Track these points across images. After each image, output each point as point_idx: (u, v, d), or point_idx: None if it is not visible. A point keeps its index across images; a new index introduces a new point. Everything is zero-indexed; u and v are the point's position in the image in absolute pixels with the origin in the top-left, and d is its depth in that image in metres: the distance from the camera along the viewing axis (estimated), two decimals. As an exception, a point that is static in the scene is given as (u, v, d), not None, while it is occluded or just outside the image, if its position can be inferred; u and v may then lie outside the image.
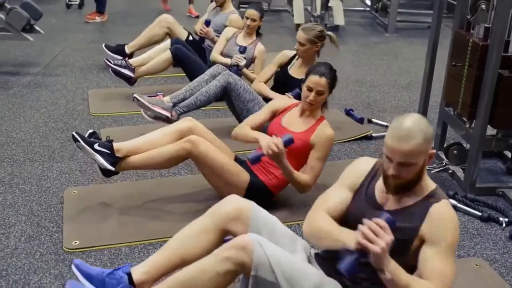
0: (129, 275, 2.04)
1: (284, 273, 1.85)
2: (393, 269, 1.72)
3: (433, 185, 1.92)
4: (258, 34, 4.35)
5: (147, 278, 2.04)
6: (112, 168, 2.78)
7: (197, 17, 7.22)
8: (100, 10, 7.07)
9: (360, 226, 1.72)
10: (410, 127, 1.77)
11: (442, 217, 1.84)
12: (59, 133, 3.88)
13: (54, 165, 3.41)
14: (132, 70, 4.44)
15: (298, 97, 3.39)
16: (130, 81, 4.47)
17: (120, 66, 4.42)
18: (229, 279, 1.90)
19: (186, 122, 2.95)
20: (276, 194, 2.97)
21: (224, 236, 2.10)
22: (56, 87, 4.75)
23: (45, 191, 3.11)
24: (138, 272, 2.05)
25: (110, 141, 2.82)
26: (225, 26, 4.72)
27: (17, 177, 3.25)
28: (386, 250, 1.68)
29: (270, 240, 1.94)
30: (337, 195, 2.02)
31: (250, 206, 2.10)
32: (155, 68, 4.47)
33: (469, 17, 3.28)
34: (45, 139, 3.77)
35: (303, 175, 2.85)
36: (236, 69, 4.08)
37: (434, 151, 1.87)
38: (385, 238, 1.67)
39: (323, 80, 2.83)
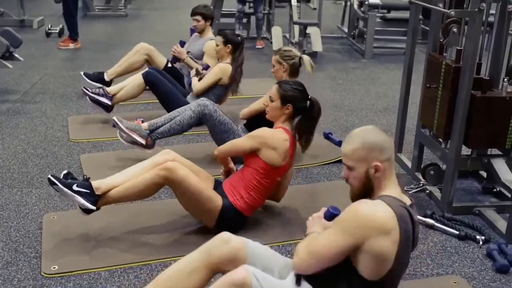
0: None
1: None
2: (310, 235, 2.04)
3: (388, 193, 1.94)
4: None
5: None
6: (94, 207, 2.74)
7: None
8: (73, 37, 7.10)
9: None
10: (354, 132, 1.99)
11: (353, 204, 1.92)
12: (38, 159, 3.86)
13: (33, 191, 3.39)
14: (110, 98, 4.45)
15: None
16: (108, 109, 4.48)
17: (98, 94, 4.43)
18: None
19: (164, 155, 2.94)
20: (248, 215, 2.97)
21: (214, 275, 2.09)
22: (35, 114, 4.74)
23: (23, 217, 3.08)
24: None
25: (88, 179, 2.79)
26: (203, 52, 4.79)
27: (-5, 203, 3.22)
28: (311, 222, 2.11)
29: (265, 272, 1.96)
30: None
31: (243, 244, 2.10)
32: (129, 94, 4.51)
33: (441, 40, 3.38)
34: (24, 166, 3.75)
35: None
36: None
37: (379, 164, 1.92)
38: (315, 214, 2.14)
39: (275, 87, 2.96)
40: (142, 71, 4.55)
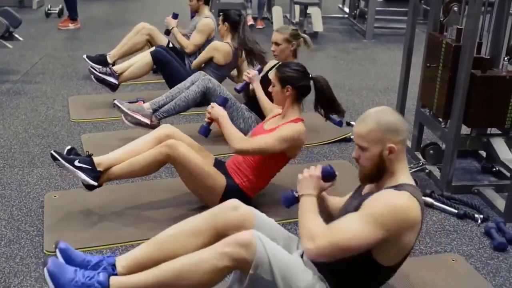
0: (113, 266, 2.03)
1: (282, 272, 1.87)
2: (306, 199, 2.00)
3: (407, 181, 1.93)
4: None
5: (128, 273, 2.02)
6: (95, 183, 2.77)
7: None
8: (73, 17, 7.07)
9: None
10: (369, 113, 1.93)
11: (383, 194, 1.86)
12: (39, 139, 3.87)
13: (34, 170, 3.41)
14: (117, 77, 4.45)
15: (260, 71, 3.71)
16: (113, 87, 4.49)
17: (105, 73, 4.43)
18: (225, 274, 1.92)
19: (164, 129, 2.96)
20: (253, 197, 2.99)
21: (219, 239, 2.01)
22: (35, 94, 4.74)
23: (25, 196, 3.10)
24: (123, 264, 2.04)
25: (90, 156, 2.81)
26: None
27: (-3, 182, 3.25)
28: (307, 179, 2.03)
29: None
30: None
31: (254, 215, 2.10)
32: (136, 73, 4.51)
33: (442, 19, 3.36)
34: (25, 145, 3.76)
35: (240, 133, 2.86)
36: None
37: (394, 146, 1.87)
38: (311, 171, 2.05)
39: (273, 72, 2.94)
40: (150, 50, 4.56)
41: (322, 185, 2.07)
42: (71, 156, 2.80)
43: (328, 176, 2.06)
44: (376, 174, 1.94)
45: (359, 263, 1.90)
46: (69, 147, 2.88)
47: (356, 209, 1.89)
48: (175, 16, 4.85)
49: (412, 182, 1.95)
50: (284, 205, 2.15)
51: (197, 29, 4.83)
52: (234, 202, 2.14)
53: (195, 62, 4.50)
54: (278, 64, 3.03)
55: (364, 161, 1.93)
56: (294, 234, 2.26)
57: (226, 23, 4.32)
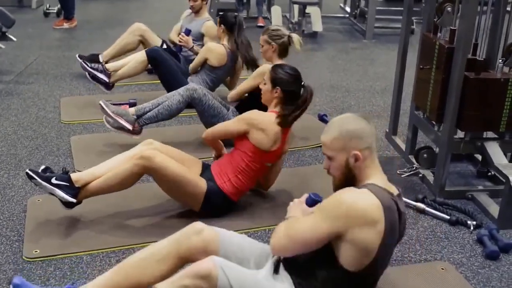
0: None
1: None
2: (289, 219, 2.01)
3: (374, 182, 1.90)
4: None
5: None
6: (74, 200, 2.70)
7: None
8: (68, 17, 7.03)
9: None
10: (333, 121, 1.96)
11: (338, 191, 1.87)
12: (28, 141, 3.82)
13: (20, 173, 3.35)
14: (108, 75, 4.40)
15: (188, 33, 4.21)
16: (108, 86, 4.43)
17: (97, 70, 4.38)
18: None
19: (146, 146, 2.87)
20: (235, 200, 2.92)
21: (184, 264, 2.02)
22: (27, 95, 4.69)
23: (8, 200, 3.05)
24: None
25: (67, 172, 2.75)
26: (200, 33, 4.72)
27: (-19, 186, 3.20)
28: (291, 207, 2.09)
29: (239, 264, 1.92)
30: None
31: (218, 237, 2.05)
32: (130, 72, 4.45)
33: (435, 20, 3.28)
34: (13, 147, 3.71)
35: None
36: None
37: (358, 153, 1.88)
38: (297, 199, 2.12)
39: (268, 71, 2.95)
40: (145, 49, 4.51)
41: (305, 209, 2.07)
42: (47, 174, 2.73)
43: (312, 202, 2.10)
44: (346, 183, 1.92)
45: (328, 268, 1.87)
46: (43, 166, 2.80)
47: None
48: (187, 32, 4.64)
49: (381, 184, 1.89)
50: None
51: (206, 33, 4.72)
52: (196, 225, 2.08)
53: (191, 66, 4.41)
54: (273, 65, 3.00)
55: (333, 170, 1.95)
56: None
57: (222, 25, 4.27)
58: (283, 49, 3.61)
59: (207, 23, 4.75)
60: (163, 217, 2.91)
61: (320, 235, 1.82)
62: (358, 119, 1.93)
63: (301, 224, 1.89)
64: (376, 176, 1.93)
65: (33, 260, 2.54)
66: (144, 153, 2.68)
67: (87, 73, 4.38)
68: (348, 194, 1.82)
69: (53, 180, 2.68)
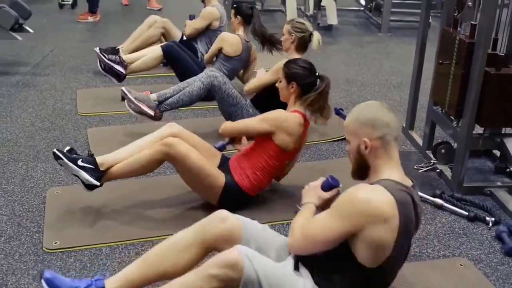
0: None
1: (272, 286, 1.83)
2: (305, 206, 2.03)
3: (389, 177, 1.88)
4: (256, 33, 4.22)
5: None
6: (98, 183, 2.73)
7: (160, 9, 7.44)
8: (92, 10, 7.04)
9: None
10: (357, 106, 1.97)
11: (351, 188, 1.85)
12: (45, 133, 3.84)
13: (38, 165, 3.38)
14: (125, 66, 4.41)
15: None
16: (120, 77, 4.43)
17: (114, 61, 4.39)
18: None
19: (169, 128, 2.90)
20: (252, 195, 2.92)
21: (209, 252, 2.05)
22: (44, 87, 4.72)
23: (28, 191, 3.08)
24: (113, 286, 1.99)
25: (92, 155, 2.77)
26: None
27: (0, 177, 3.22)
28: (307, 190, 2.08)
29: (261, 254, 1.93)
30: None
31: (241, 225, 2.06)
32: (145, 66, 4.47)
33: (456, 14, 3.25)
34: (31, 139, 3.74)
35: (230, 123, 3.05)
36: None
37: (368, 141, 1.87)
38: (312, 183, 2.10)
39: (282, 67, 2.92)
40: (161, 44, 4.52)
41: (321, 194, 2.06)
42: (74, 155, 2.76)
43: (328, 186, 2.07)
44: (360, 169, 1.95)
45: (346, 265, 1.87)
46: (68, 147, 2.82)
47: None
48: (191, 18, 4.86)
49: (396, 178, 1.88)
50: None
51: (200, 16, 4.78)
52: (221, 213, 2.09)
53: (207, 56, 4.45)
54: (286, 60, 2.98)
55: (350, 154, 1.98)
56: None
57: (238, 16, 4.27)
58: (302, 44, 3.60)
59: (207, 7, 4.79)
60: (182, 210, 2.92)
61: (335, 234, 1.82)
62: (380, 109, 1.92)
63: (316, 223, 1.88)
64: (391, 170, 1.90)
65: (53, 251, 2.56)
66: (168, 140, 2.70)
67: (100, 63, 4.38)
68: (362, 192, 1.81)
69: (79, 162, 2.70)
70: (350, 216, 1.79)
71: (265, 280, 1.81)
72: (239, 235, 2.02)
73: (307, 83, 2.84)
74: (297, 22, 3.62)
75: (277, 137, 2.81)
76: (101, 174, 2.74)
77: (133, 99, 3.56)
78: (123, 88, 3.61)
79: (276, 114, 2.85)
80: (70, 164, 2.69)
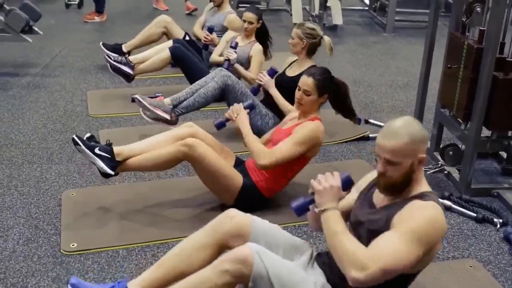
0: None
1: (281, 282, 1.88)
2: (331, 214, 1.84)
3: (428, 189, 1.92)
4: (260, 37, 4.32)
5: None
6: (112, 173, 2.79)
7: (196, 9, 7.32)
8: (99, 10, 7.08)
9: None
10: (398, 126, 1.84)
11: (417, 207, 1.82)
12: (58, 134, 3.90)
13: (52, 167, 3.43)
14: (132, 67, 4.46)
15: (273, 75, 3.67)
16: (129, 78, 4.48)
17: (120, 62, 4.43)
18: None
19: (186, 128, 2.98)
20: (269, 197, 2.98)
21: (223, 250, 2.12)
22: (55, 88, 4.77)
23: (43, 193, 3.13)
24: None
25: (110, 145, 2.83)
26: (223, 26, 4.75)
27: (16, 179, 3.27)
28: (328, 190, 1.86)
29: (270, 250, 1.97)
30: (347, 197, 2.07)
31: (249, 221, 2.12)
32: (153, 67, 4.51)
33: (464, 19, 3.30)
34: (44, 141, 3.79)
35: (262, 151, 2.81)
36: (228, 64, 4.05)
37: (424, 156, 1.86)
38: (330, 180, 1.88)
39: (310, 80, 2.84)
40: (169, 45, 4.55)
41: (342, 195, 1.93)
42: (92, 143, 2.82)
43: (348, 185, 1.94)
44: (402, 184, 1.88)
45: None
46: (88, 134, 2.89)
47: (382, 224, 1.85)
48: (210, 30, 4.61)
49: (429, 188, 1.93)
50: (296, 214, 1.99)
51: (230, 25, 4.73)
52: (229, 211, 2.16)
53: (214, 57, 4.47)
54: (306, 71, 2.95)
55: (392, 173, 1.85)
56: (307, 235, 2.25)
57: (261, 20, 4.30)
58: (313, 49, 3.64)
59: (230, 16, 4.79)
60: (198, 212, 2.97)
61: (415, 259, 1.76)
62: (418, 121, 1.91)
63: (392, 254, 1.74)
64: (423, 177, 1.93)
65: (71, 253, 2.62)
66: (189, 141, 2.77)
67: (108, 64, 4.44)
68: (438, 214, 1.80)
69: (96, 150, 2.76)
70: (430, 238, 1.78)
71: (274, 277, 1.87)
72: (247, 231, 2.08)
73: (336, 91, 2.95)
74: (308, 28, 3.62)
75: (310, 152, 2.90)
76: (116, 164, 2.80)
77: (147, 105, 3.60)
78: (137, 96, 3.65)
79: (312, 135, 2.84)
80: (87, 151, 2.76)
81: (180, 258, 2.10)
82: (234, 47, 4.14)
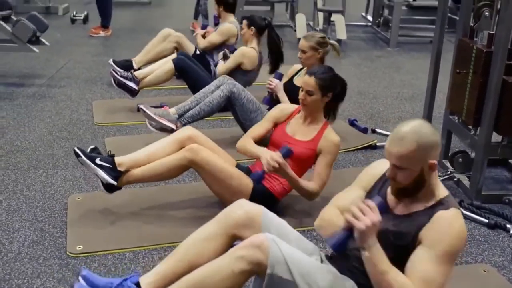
0: (137, 285, 2.00)
1: (300, 270, 1.82)
2: (375, 251, 1.74)
3: (445, 193, 1.87)
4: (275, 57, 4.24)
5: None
6: (115, 182, 2.77)
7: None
8: (105, 25, 7.12)
9: (351, 206, 1.77)
10: (406, 131, 1.76)
11: (444, 222, 1.78)
12: (64, 141, 3.88)
13: (58, 172, 3.41)
14: (137, 82, 4.44)
15: (280, 78, 3.68)
16: (133, 93, 4.47)
17: (126, 78, 4.42)
18: (243, 279, 1.88)
19: (185, 131, 2.94)
20: (280, 199, 2.95)
21: (233, 241, 2.08)
22: (60, 98, 4.77)
23: (49, 198, 3.10)
24: (147, 282, 2.01)
25: (112, 156, 2.82)
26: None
27: (21, 183, 3.24)
28: (370, 228, 1.71)
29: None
30: (351, 194, 2.04)
31: (261, 211, 2.08)
32: (157, 80, 4.50)
33: (472, 24, 3.30)
34: (50, 148, 3.77)
35: (310, 183, 2.82)
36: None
37: (435, 162, 1.79)
38: (371, 216, 1.72)
39: (311, 79, 2.80)
40: (172, 57, 4.55)
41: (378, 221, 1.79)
42: (93, 154, 2.81)
43: (382, 211, 1.80)
44: (413, 189, 1.84)
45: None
46: (92, 146, 2.91)
47: (410, 240, 1.81)
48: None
49: (446, 191, 1.88)
50: (337, 252, 1.90)
51: (218, 31, 4.83)
52: (240, 201, 2.13)
53: (222, 69, 4.42)
54: (308, 70, 2.91)
55: (401, 179, 1.81)
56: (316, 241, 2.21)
57: (252, 27, 4.30)
58: (324, 57, 3.64)
59: (225, 24, 4.85)
60: (205, 215, 2.90)
61: (450, 276, 1.79)
62: (429, 125, 1.82)
63: (435, 279, 1.74)
64: (438, 180, 1.89)
65: (77, 255, 2.58)
66: (193, 146, 2.75)
67: (113, 80, 4.41)
68: (459, 227, 1.77)
69: (97, 161, 2.76)
70: (458, 253, 1.82)
71: (293, 264, 1.81)
72: (258, 221, 2.03)
73: (340, 90, 2.95)
74: (319, 37, 3.61)
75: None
76: (118, 174, 2.78)
77: (153, 116, 3.57)
78: (142, 106, 3.62)
79: (337, 150, 2.89)
80: (88, 162, 2.75)
81: (191, 250, 2.06)
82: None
